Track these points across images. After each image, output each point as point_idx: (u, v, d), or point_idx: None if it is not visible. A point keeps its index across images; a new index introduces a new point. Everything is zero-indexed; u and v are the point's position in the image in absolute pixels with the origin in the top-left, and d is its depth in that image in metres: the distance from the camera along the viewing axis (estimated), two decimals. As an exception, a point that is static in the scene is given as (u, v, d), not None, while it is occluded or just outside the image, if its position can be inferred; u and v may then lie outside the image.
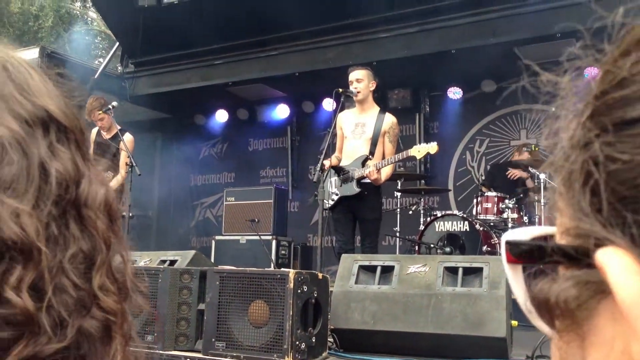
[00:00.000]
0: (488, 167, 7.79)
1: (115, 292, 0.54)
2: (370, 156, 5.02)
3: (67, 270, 0.50)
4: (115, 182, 5.94)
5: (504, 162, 7.16)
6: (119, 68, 9.11)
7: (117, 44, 9.00)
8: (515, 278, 0.40)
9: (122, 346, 0.54)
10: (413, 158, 8.10)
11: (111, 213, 0.56)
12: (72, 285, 0.51)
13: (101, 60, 10.46)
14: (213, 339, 3.25)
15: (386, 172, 5.03)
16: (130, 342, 0.56)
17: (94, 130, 6.23)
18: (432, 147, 4.93)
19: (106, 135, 6.13)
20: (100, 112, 5.94)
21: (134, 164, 5.83)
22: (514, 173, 6.57)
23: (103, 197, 0.55)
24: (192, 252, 4.16)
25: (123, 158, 6.02)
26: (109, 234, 0.55)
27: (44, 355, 0.48)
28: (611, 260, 0.33)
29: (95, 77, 8.28)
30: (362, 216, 5.05)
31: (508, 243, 0.39)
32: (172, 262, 3.97)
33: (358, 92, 5.04)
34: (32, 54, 7.68)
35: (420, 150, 4.97)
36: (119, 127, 6.18)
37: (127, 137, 6.10)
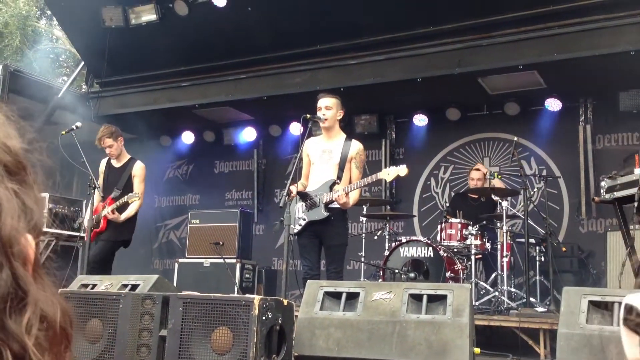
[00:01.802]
0: (452, 193, 7.90)
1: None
2: (338, 180, 5.04)
3: None
4: (132, 209, 5.98)
5: (464, 190, 7.28)
6: (84, 87, 8.99)
7: (82, 63, 8.89)
8: (630, 342, 0.38)
9: None
10: (379, 183, 8.21)
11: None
12: None
13: (65, 78, 10.31)
14: (174, 367, 3.18)
15: (354, 196, 5.05)
16: None
17: (104, 161, 6.27)
18: (402, 170, 4.96)
19: (116, 164, 6.16)
20: (110, 139, 6.04)
21: (97, 186, 5.75)
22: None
23: None
24: (155, 276, 4.09)
25: (137, 185, 6.08)
26: None
27: None
28: None
29: (59, 96, 8.16)
30: (329, 242, 5.04)
31: (628, 310, 0.37)
32: (134, 287, 3.89)
33: (325, 119, 5.07)
34: (-6, 71, 7.53)
35: (390, 173, 4.99)
36: (129, 156, 6.27)
37: (138, 165, 6.21)
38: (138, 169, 6.18)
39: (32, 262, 0.55)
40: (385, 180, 7.93)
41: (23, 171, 0.58)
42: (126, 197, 5.90)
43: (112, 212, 5.89)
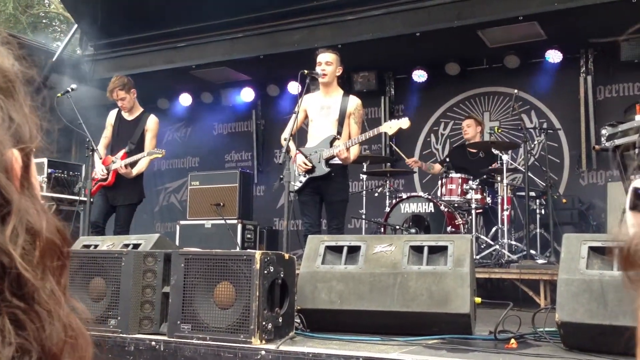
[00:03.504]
0: (451, 148, 7.87)
1: None
2: (338, 136, 5.01)
3: None
4: (143, 164, 5.82)
5: (462, 142, 7.25)
6: (78, 51, 8.88)
7: (76, 26, 8.76)
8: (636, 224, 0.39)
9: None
10: (379, 141, 8.17)
11: None
12: None
13: (59, 43, 10.18)
14: (178, 322, 3.21)
15: (354, 151, 5.04)
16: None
17: (113, 112, 6.10)
18: (404, 122, 4.92)
19: (128, 117, 6.00)
20: (122, 91, 5.83)
21: (95, 148, 5.71)
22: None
23: None
24: (156, 235, 4.10)
25: (149, 140, 5.91)
26: None
27: None
28: None
29: (54, 59, 8.06)
30: (330, 198, 5.05)
31: (636, 191, 0.38)
32: (136, 246, 3.91)
33: (325, 75, 5.02)
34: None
35: (391, 126, 4.95)
36: (142, 109, 6.07)
37: (152, 119, 5.99)
38: (152, 123, 5.95)
39: (19, 177, 0.54)
40: (386, 136, 7.94)
41: (11, 87, 0.56)
42: (146, 153, 5.72)
43: (126, 166, 5.69)
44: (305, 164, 4.94)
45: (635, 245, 0.39)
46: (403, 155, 7.29)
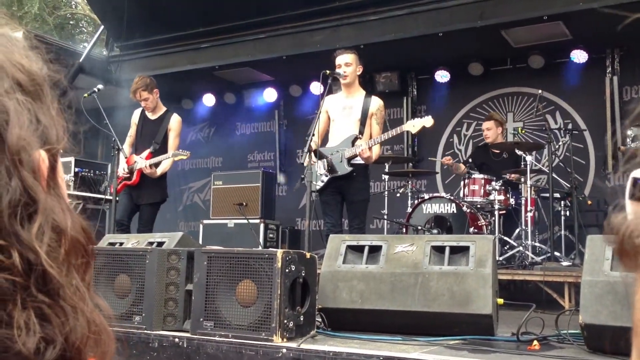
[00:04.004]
0: (474, 148, 7.81)
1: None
2: (360, 135, 5.02)
3: None
4: (167, 164, 5.88)
5: (484, 143, 7.19)
6: (104, 52, 9.01)
7: (102, 27, 8.90)
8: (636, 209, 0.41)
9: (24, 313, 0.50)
10: (401, 141, 8.16)
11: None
12: None
13: (86, 44, 10.34)
14: (201, 319, 3.25)
15: (376, 151, 5.05)
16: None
17: (137, 112, 6.18)
18: (428, 121, 4.90)
19: (152, 116, 6.07)
20: (145, 91, 5.91)
21: (121, 148, 5.79)
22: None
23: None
24: (180, 233, 4.16)
25: (172, 140, 5.98)
26: None
27: None
28: None
29: (80, 60, 8.19)
30: (351, 197, 5.06)
31: (635, 181, 0.40)
32: (160, 244, 3.97)
33: (346, 75, 5.04)
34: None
35: (415, 124, 4.93)
36: (165, 108, 6.14)
37: (175, 118, 6.06)
38: (175, 123, 6.02)
39: (46, 177, 0.55)
40: (409, 135, 7.92)
41: (39, 90, 0.58)
42: (171, 154, 5.77)
43: (150, 166, 5.76)
44: (312, 148, 4.89)
45: (631, 231, 0.40)
46: (439, 160, 7.32)
